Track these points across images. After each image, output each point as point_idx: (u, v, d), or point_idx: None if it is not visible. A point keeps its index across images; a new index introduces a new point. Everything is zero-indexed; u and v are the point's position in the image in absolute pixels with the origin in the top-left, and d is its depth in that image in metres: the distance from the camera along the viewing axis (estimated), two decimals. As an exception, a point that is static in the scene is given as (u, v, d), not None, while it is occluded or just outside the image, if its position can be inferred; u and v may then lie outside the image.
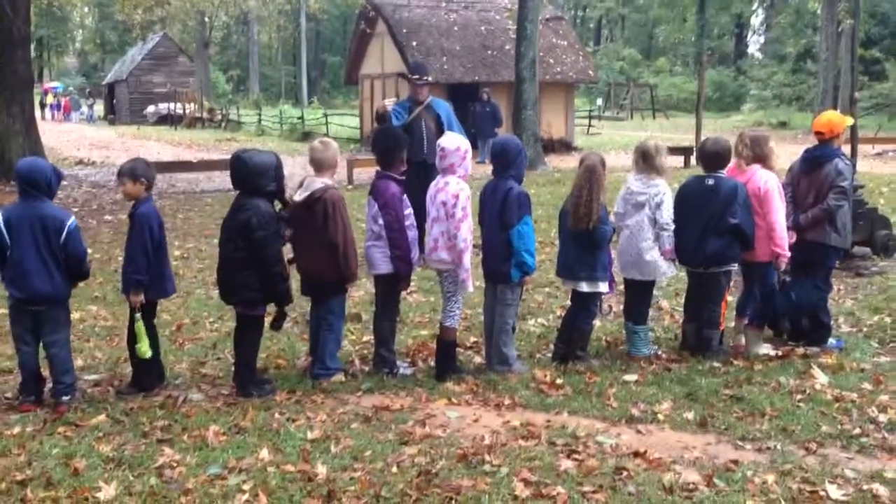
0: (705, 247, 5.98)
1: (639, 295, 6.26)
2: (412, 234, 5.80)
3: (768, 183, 6.03)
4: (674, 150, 19.28)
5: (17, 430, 4.88)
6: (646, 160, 6.08)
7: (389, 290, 5.91)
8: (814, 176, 6.29)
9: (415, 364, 6.13)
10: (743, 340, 6.31)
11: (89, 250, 5.55)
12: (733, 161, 6.20)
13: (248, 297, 5.37)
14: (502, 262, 5.69)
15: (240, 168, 5.32)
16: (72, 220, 5.25)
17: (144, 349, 5.42)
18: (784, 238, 6.03)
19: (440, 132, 8.20)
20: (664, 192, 6.04)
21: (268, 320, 5.65)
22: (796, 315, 6.45)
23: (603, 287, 5.99)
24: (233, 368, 5.66)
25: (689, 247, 6.04)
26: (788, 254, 6.07)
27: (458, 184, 5.61)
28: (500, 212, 5.67)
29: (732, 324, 6.51)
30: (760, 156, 6.17)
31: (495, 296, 5.87)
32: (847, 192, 6.23)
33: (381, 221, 5.68)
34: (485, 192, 5.85)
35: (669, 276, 6.36)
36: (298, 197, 5.56)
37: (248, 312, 5.46)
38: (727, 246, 6.00)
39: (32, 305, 5.24)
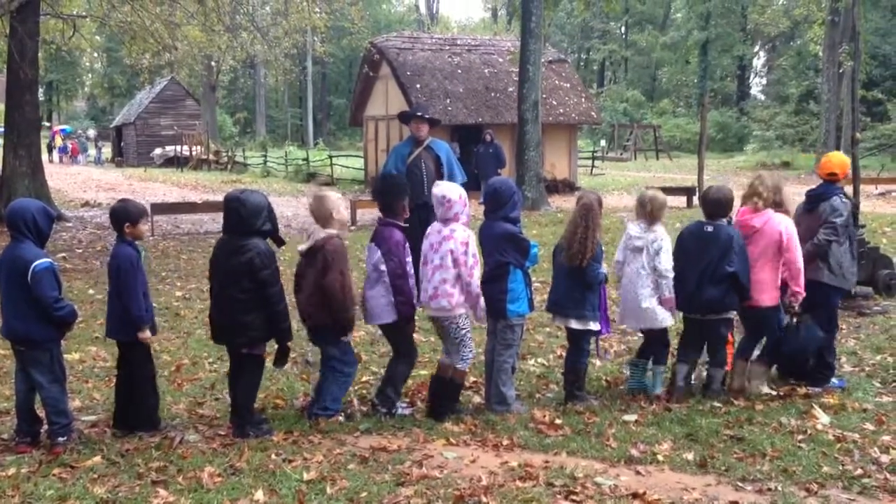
0: (703, 294, 5.96)
1: (654, 337, 6.26)
2: (412, 280, 5.82)
3: (788, 228, 6.04)
4: (676, 191, 19.33)
5: (11, 471, 4.86)
6: (643, 208, 6.11)
7: (399, 335, 5.88)
8: (813, 214, 6.36)
9: (413, 404, 6.10)
10: (746, 383, 6.23)
11: (91, 291, 5.55)
12: (747, 203, 6.19)
13: (253, 336, 5.37)
14: (498, 299, 5.73)
15: (237, 209, 5.31)
16: (39, 263, 5.12)
17: None
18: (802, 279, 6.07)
19: (440, 173, 8.24)
20: (662, 238, 6.05)
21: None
22: (801, 356, 6.36)
23: (594, 326, 5.98)
24: (230, 409, 5.63)
25: (687, 292, 6.00)
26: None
27: (465, 231, 5.65)
28: (495, 250, 5.73)
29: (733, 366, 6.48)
30: (778, 202, 6.16)
31: (496, 336, 5.87)
32: (838, 230, 6.23)
33: (382, 268, 5.66)
34: (480, 233, 5.88)
35: (668, 325, 6.20)
36: (302, 247, 5.59)
37: (252, 352, 5.46)
38: (725, 293, 5.95)
39: (14, 345, 5.29)
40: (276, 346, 5.55)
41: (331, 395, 5.72)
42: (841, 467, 4.83)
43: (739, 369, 6.27)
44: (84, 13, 22.79)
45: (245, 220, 5.30)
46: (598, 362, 6.88)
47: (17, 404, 5.40)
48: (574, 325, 5.98)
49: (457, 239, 5.59)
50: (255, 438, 5.33)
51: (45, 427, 5.38)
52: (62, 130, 53.18)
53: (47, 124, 58.65)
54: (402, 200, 5.85)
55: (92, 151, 49.57)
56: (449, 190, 5.74)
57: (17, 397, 5.39)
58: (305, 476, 4.69)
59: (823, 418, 5.62)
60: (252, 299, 5.27)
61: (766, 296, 6.06)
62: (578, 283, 5.90)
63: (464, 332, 5.71)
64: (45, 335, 5.26)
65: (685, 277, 5.99)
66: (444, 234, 5.64)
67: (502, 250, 5.73)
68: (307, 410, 5.80)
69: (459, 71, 25.97)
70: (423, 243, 5.74)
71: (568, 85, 27.16)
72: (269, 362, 5.73)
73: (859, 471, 4.77)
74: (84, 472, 4.84)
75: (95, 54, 67.34)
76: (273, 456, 5.02)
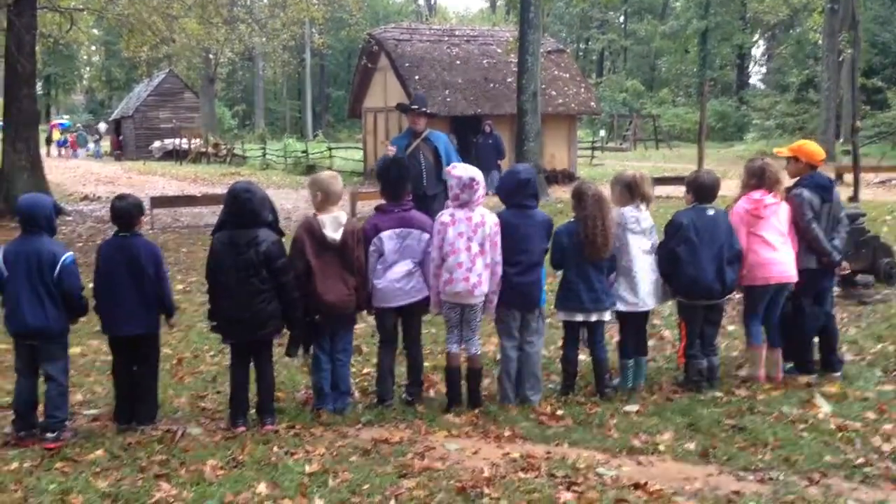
0: (725, 276, 5.98)
1: (640, 325, 6.23)
2: None
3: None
4: (676, 180, 19.33)
5: (14, 465, 4.87)
6: (632, 191, 6.07)
7: (420, 317, 6.04)
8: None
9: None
10: (762, 368, 6.27)
11: (91, 285, 5.53)
12: (762, 188, 6.16)
13: (278, 325, 5.50)
14: (537, 289, 5.80)
15: (249, 200, 5.37)
16: (67, 255, 5.29)
17: None
18: None
19: (438, 164, 8.23)
20: (650, 216, 6.14)
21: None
22: (809, 335, 6.41)
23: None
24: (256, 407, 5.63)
25: (708, 279, 5.94)
26: None
27: (492, 215, 5.69)
28: (535, 239, 5.76)
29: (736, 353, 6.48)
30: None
31: (526, 328, 5.87)
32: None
33: (429, 250, 5.72)
34: (512, 223, 5.76)
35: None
36: (336, 235, 5.55)
37: (274, 340, 5.63)
38: (736, 271, 6.06)
39: (27, 339, 5.26)
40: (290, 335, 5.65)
41: (346, 382, 5.84)
42: (843, 456, 4.83)
43: (756, 356, 6.27)
44: (81, 6, 22.70)
45: (256, 211, 5.37)
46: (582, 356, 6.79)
47: (21, 401, 5.35)
48: (607, 316, 5.99)
49: (489, 222, 5.62)
50: (272, 426, 5.39)
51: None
52: (60, 125, 53.08)
53: (64, 118, 58.59)
54: (408, 188, 6.02)
55: (91, 145, 49.50)
56: (474, 172, 5.71)
57: (20, 395, 5.35)
58: (307, 468, 4.69)
59: (825, 407, 5.62)
60: (271, 289, 5.37)
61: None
62: (602, 275, 5.89)
63: (481, 315, 5.79)
64: (63, 327, 5.37)
65: (701, 265, 5.91)
66: (475, 220, 5.60)
67: (544, 238, 5.79)
68: (314, 406, 5.80)
69: (458, 62, 25.90)
70: (447, 231, 5.58)
71: (567, 75, 27.10)
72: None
73: (861, 459, 4.77)
74: (86, 466, 4.84)
75: (93, 47, 67.24)
76: (275, 449, 5.02)
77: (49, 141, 48.56)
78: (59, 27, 23.35)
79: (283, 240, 5.55)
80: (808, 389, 6.02)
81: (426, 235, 5.75)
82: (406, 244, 5.76)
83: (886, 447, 4.94)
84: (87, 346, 7.64)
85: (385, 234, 5.74)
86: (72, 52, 63.65)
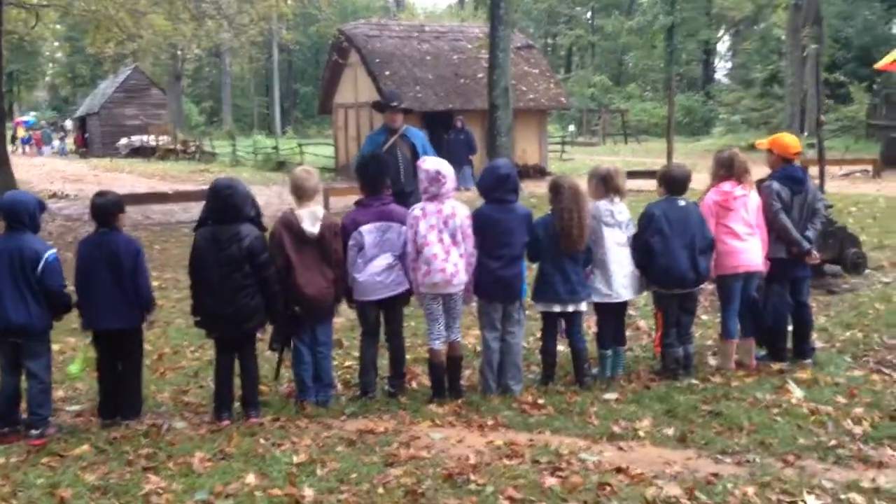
0: (698, 265, 6.12)
1: (617, 316, 6.34)
2: None
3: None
4: (646, 174, 19.58)
5: (0, 460, 4.87)
6: (607, 184, 6.17)
7: (401, 308, 6.10)
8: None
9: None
10: (735, 357, 6.43)
11: (66, 283, 5.52)
12: (732, 178, 6.31)
13: (262, 320, 5.56)
14: (519, 281, 5.89)
15: (231, 196, 5.41)
16: (51, 253, 5.31)
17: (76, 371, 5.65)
18: None
19: (416, 161, 8.25)
20: (626, 209, 6.25)
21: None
22: (782, 322, 6.55)
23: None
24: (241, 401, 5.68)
25: (682, 268, 6.07)
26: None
27: (463, 207, 5.77)
28: (519, 232, 5.84)
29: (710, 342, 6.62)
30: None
31: (507, 319, 5.94)
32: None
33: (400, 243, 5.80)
34: (502, 217, 5.84)
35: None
36: (313, 228, 5.60)
37: (257, 334, 5.67)
38: (709, 260, 6.21)
39: (10, 337, 5.26)
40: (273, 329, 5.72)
41: (328, 374, 5.91)
42: (816, 439, 4.98)
43: (729, 347, 6.43)
44: (46, 2, 22.41)
45: (238, 207, 5.40)
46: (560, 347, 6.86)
47: (3, 398, 5.36)
48: (584, 307, 6.08)
49: (460, 214, 5.70)
50: (256, 420, 5.43)
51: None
52: (25, 122, 52.31)
53: (29, 115, 57.60)
54: (387, 182, 6.08)
55: (56, 142, 48.90)
56: (442, 165, 5.80)
57: (3, 392, 5.35)
58: (295, 459, 4.75)
59: (797, 392, 5.78)
60: (254, 283, 5.41)
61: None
62: (578, 267, 5.99)
63: (460, 305, 5.87)
64: (46, 324, 5.36)
65: (674, 255, 6.03)
66: (446, 212, 5.68)
67: (525, 231, 5.87)
68: (296, 398, 5.85)
69: (428, 58, 25.95)
70: (419, 224, 5.66)
71: (536, 70, 27.25)
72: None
73: (833, 442, 4.92)
74: (73, 461, 4.86)
75: (57, 43, 66.23)
76: (261, 441, 5.07)
77: (14, 138, 47.88)
78: (24, 23, 23.02)
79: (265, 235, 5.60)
80: (781, 376, 6.18)
81: (403, 228, 5.82)
82: (386, 238, 5.82)
83: (857, 430, 5.10)
84: (65, 344, 7.60)
85: (365, 228, 5.80)
86: (35, 49, 62.64)
